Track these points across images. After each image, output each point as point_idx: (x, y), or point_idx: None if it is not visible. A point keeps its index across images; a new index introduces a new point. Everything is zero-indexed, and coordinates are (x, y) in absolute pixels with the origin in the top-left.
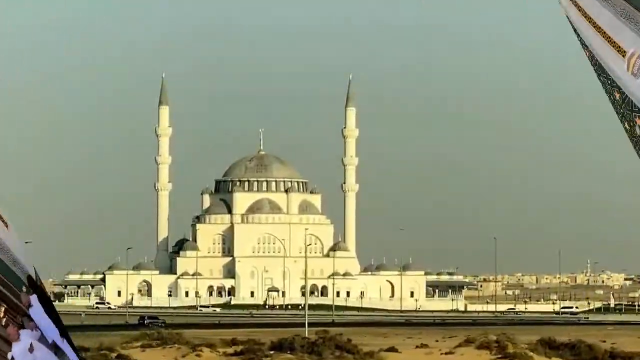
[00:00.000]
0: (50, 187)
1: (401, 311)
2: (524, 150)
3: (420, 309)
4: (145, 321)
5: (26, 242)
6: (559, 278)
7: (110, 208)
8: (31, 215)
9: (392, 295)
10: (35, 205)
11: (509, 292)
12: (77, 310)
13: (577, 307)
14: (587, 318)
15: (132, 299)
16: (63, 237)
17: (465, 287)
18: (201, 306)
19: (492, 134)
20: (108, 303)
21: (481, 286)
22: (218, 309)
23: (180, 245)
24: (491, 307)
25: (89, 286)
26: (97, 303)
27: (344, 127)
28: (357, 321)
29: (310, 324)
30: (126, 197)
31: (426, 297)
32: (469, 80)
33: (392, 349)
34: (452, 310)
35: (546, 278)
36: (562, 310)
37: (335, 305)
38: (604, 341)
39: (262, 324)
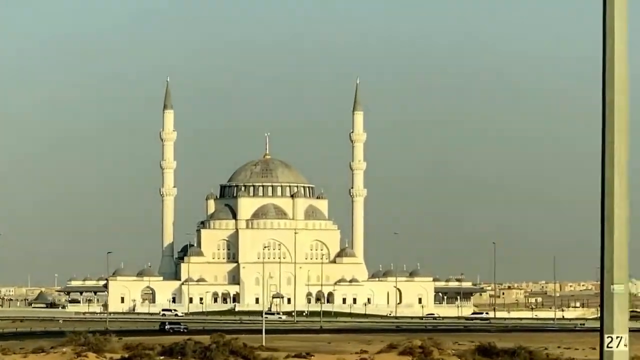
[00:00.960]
0: (54, 193)
1: (397, 317)
2: (545, 159)
3: (391, 315)
4: (166, 327)
5: None
6: (582, 285)
7: (115, 214)
8: (35, 221)
9: (400, 302)
10: (40, 212)
11: (532, 299)
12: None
13: (487, 313)
14: (583, 325)
15: (134, 306)
16: (66, 243)
17: (472, 293)
18: (267, 313)
19: (509, 138)
20: (175, 310)
21: (503, 293)
22: (284, 316)
23: (186, 251)
24: (503, 314)
25: (92, 292)
26: (164, 310)
27: (352, 132)
28: (346, 327)
29: (298, 331)
30: (130, 202)
31: (434, 303)
32: (478, 86)
33: (303, 355)
34: (458, 317)
35: (570, 285)
36: (472, 316)
37: (339, 312)
38: (594, 348)
39: (237, 330)
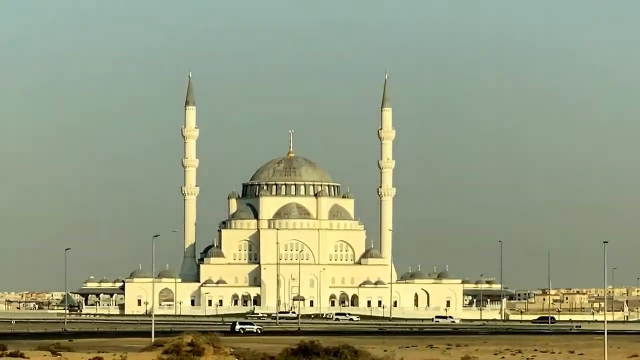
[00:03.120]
0: (72, 191)
1: (402, 319)
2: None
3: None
4: (236, 327)
5: None
6: None
7: (135, 213)
8: (51, 221)
9: (428, 305)
10: (57, 211)
11: (596, 304)
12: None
13: (293, 312)
14: (579, 327)
15: (151, 308)
16: (83, 244)
17: (504, 296)
18: (338, 314)
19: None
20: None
21: (567, 298)
22: (355, 317)
23: (207, 252)
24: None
25: (109, 295)
26: (337, 314)
27: (380, 129)
28: (326, 330)
29: (280, 332)
30: (151, 202)
31: (463, 306)
32: (509, 80)
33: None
34: (488, 320)
35: (637, 290)
36: (281, 315)
37: (360, 315)
38: (572, 352)
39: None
